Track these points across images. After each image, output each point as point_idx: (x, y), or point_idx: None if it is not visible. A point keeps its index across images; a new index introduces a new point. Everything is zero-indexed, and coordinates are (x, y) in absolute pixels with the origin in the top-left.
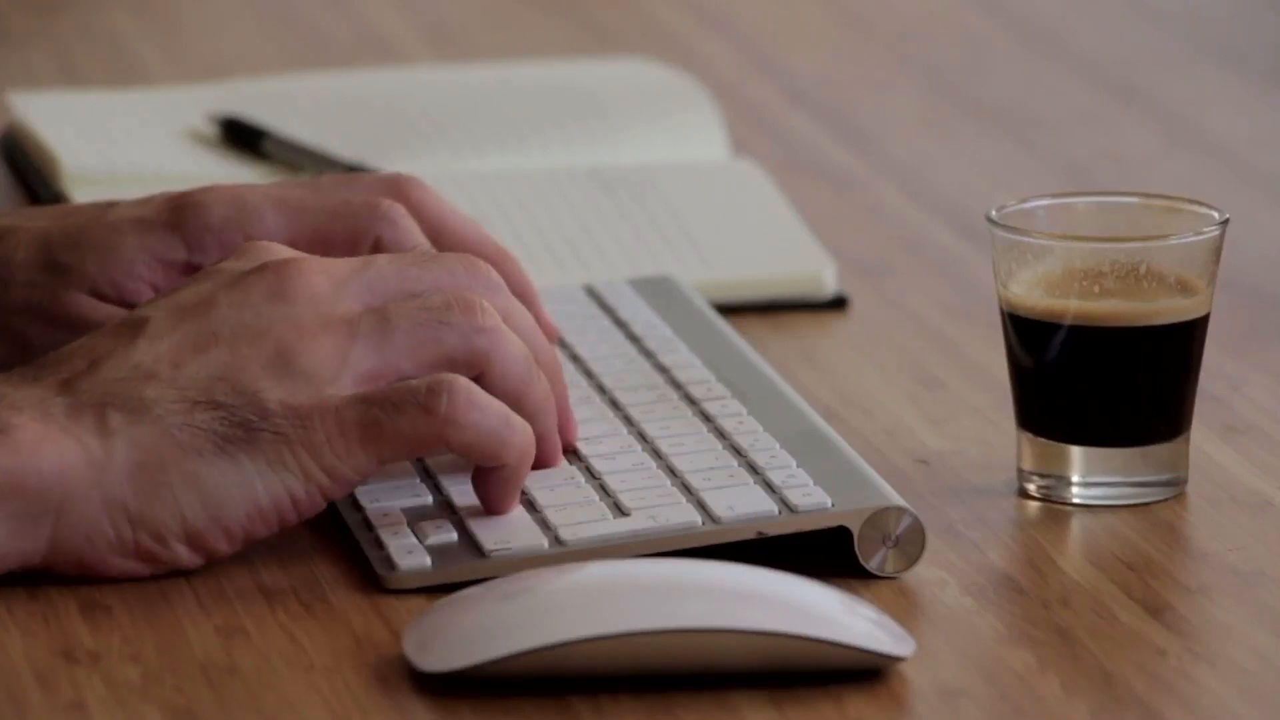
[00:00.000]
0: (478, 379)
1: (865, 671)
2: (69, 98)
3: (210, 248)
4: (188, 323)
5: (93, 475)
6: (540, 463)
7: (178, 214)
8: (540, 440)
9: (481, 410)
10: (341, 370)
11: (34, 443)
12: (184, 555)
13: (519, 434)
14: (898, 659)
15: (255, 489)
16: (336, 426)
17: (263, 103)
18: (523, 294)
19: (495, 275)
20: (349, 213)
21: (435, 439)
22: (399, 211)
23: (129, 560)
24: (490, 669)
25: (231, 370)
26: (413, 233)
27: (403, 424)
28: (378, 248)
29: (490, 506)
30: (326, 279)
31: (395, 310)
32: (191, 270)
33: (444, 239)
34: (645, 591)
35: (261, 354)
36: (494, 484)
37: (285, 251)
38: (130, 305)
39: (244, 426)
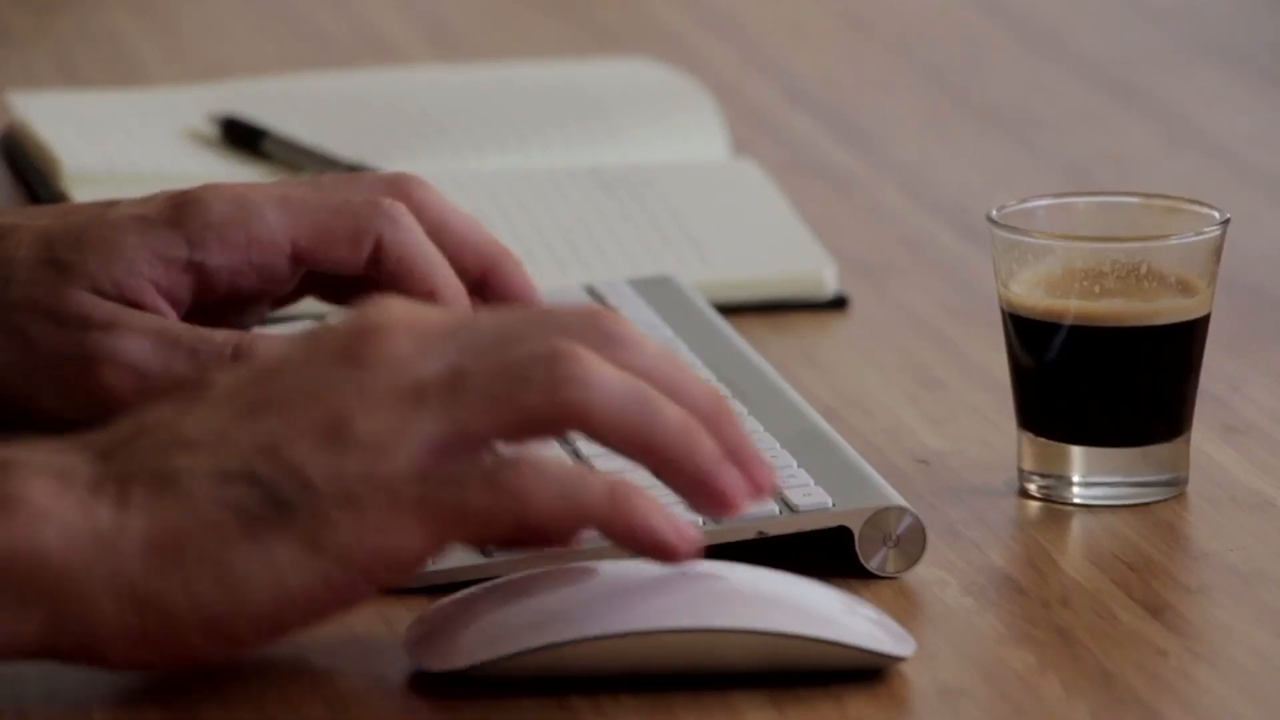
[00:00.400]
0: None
1: (865, 671)
2: (69, 98)
3: (211, 245)
4: (251, 388)
5: (98, 552)
6: (707, 511)
7: (179, 211)
8: (693, 491)
9: (553, 480)
10: (402, 440)
11: (36, 517)
12: (199, 644)
13: (601, 495)
14: (898, 659)
15: (284, 576)
16: (388, 505)
17: (263, 103)
18: (523, 295)
19: (622, 326)
20: (350, 211)
21: (503, 518)
22: (400, 210)
23: (137, 648)
24: (491, 669)
25: (278, 439)
26: (414, 232)
27: (468, 501)
28: (379, 246)
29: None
30: (412, 341)
31: (471, 368)
32: (193, 269)
33: (445, 238)
34: (645, 591)
35: (314, 422)
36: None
37: (396, 310)
38: (132, 303)
39: (278, 506)
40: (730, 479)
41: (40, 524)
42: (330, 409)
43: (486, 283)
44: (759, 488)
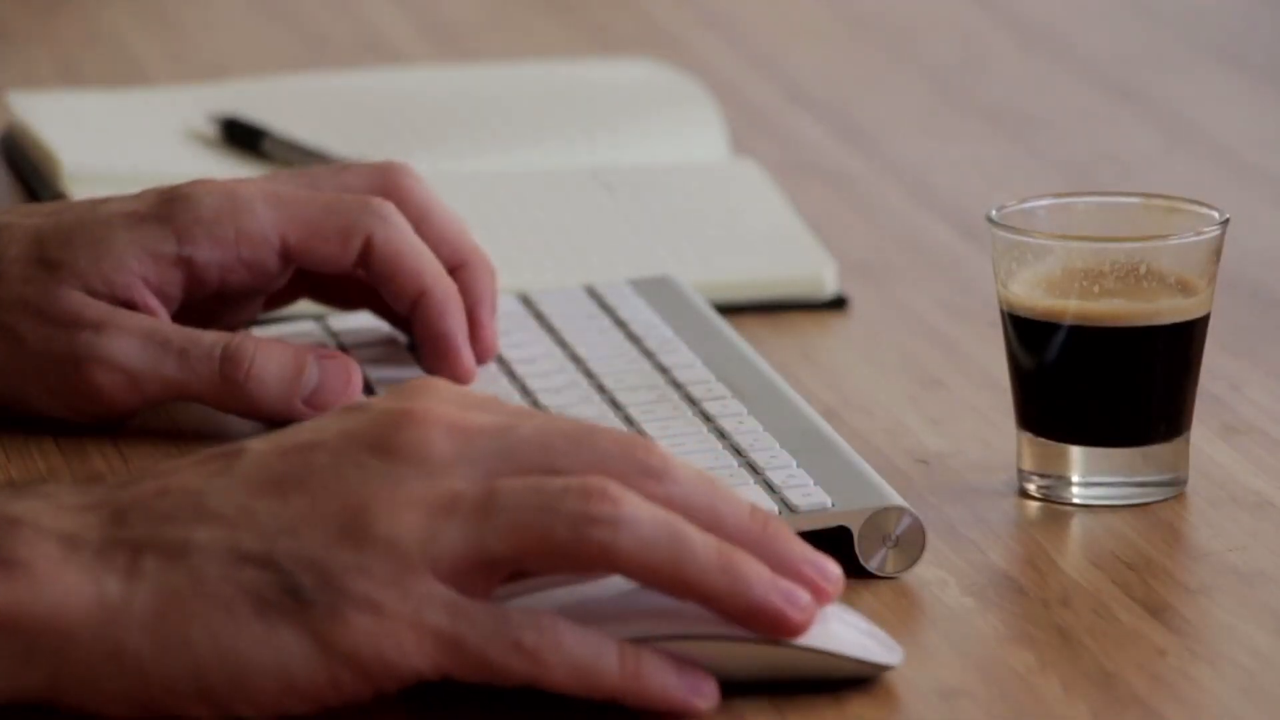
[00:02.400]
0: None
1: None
2: (69, 98)
3: (200, 240)
4: (282, 463)
5: (103, 621)
6: (774, 630)
7: (168, 207)
8: (751, 617)
9: (572, 648)
10: (427, 548)
11: (42, 579)
12: (200, 712)
13: (615, 665)
14: (886, 668)
15: (291, 666)
16: (411, 625)
17: (263, 103)
18: (479, 303)
19: (659, 458)
20: (340, 209)
21: (516, 677)
22: (390, 209)
23: (138, 710)
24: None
25: (302, 524)
26: (404, 230)
27: (489, 653)
28: (368, 244)
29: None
30: (451, 440)
31: (506, 489)
32: (182, 263)
33: (425, 230)
34: (633, 598)
35: (341, 513)
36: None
37: (440, 398)
38: (122, 300)
39: (294, 595)
40: (782, 598)
41: (43, 590)
42: (357, 503)
43: (453, 278)
44: (821, 593)
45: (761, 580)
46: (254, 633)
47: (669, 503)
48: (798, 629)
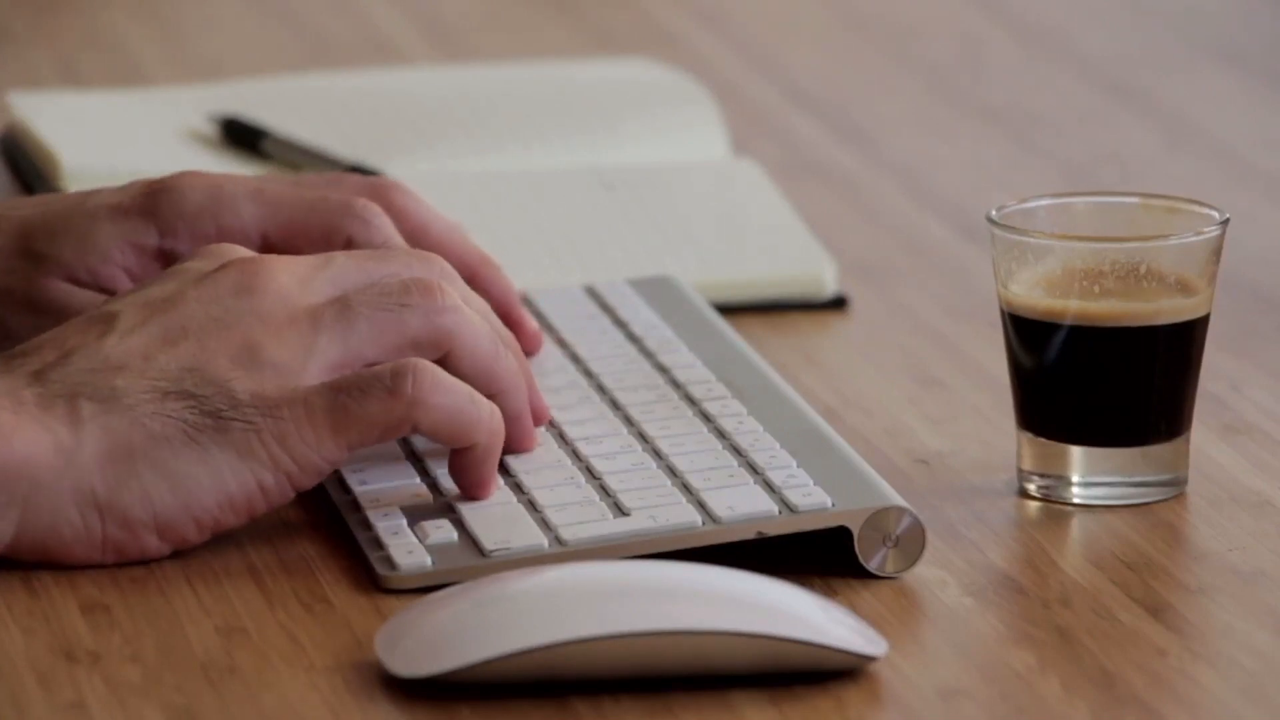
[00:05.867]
0: (443, 361)
1: (864, 672)
2: (69, 98)
3: (182, 234)
4: (157, 317)
5: (61, 464)
6: (514, 445)
7: (152, 199)
8: (512, 421)
9: (447, 391)
10: (308, 361)
11: (8, 432)
12: (153, 545)
13: (486, 412)
14: (872, 659)
15: (225, 478)
16: (305, 415)
17: (263, 103)
18: (506, 300)
19: (450, 268)
20: (324, 209)
21: (403, 422)
22: (373, 211)
23: (94, 550)
24: (468, 673)
25: (201, 362)
26: (385, 231)
27: (370, 408)
28: (349, 246)
29: (468, 491)
30: (290, 275)
31: (357, 298)
32: (164, 256)
33: (426, 245)
34: (623, 595)
35: (230, 347)
36: (469, 467)
37: (247, 251)
38: (107, 291)
39: (214, 416)
40: (537, 399)
41: (10, 437)
42: (241, 336)
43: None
44: (541, 418)
45: (533, 386)
46: (191, 456)
47: (467, 301)
48: (530, 443)
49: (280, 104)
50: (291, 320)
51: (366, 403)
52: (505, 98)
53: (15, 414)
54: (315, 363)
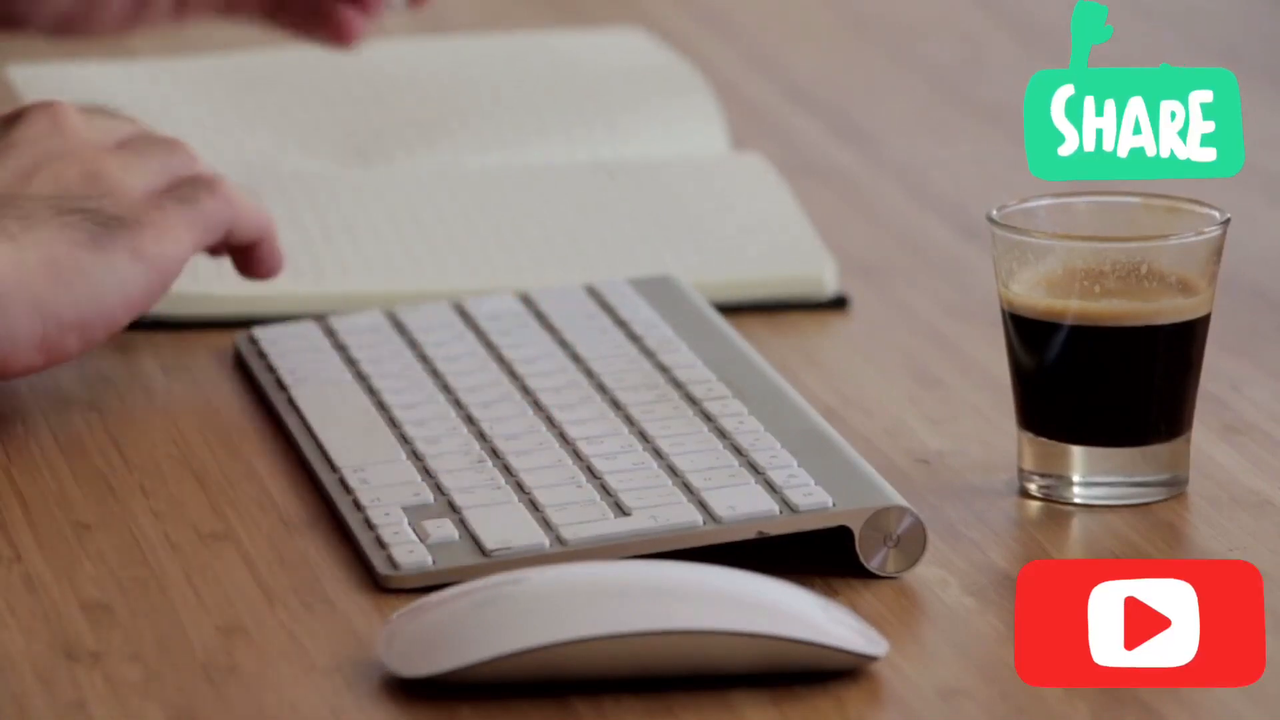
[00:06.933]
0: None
1: (864, 672)
2: (67, 70)
3: None
4: (3, 161)
5: (19, 278)
6: (273, 265)
7: None
8: (270, 239)
9: (239, 190)
10: (145, 175)
11: None
12: (74, 345)
13: (265, 213)
14: (873, 659)
15: (125, 280)
16: (168, 219)
17: (259, 88)
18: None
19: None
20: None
21: (228, 219)
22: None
23: (35, 354)
24: (466, 674)
25: (65, 186)
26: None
27: (207, 207)
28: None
29: (273, 271)
30: (80, 113)
31: (146, 133)
32: None
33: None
34: (622, 595)
35: (80, 174)
36: (272, 253)
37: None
38: None
39: (106, 225)
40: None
41: None
42: (82, 166)
43: None
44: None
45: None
46: (101, 262)
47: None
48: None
49: (280, 83)
50: (108, 146)
51: (202, 203)
52: (505, 93)
53: None
54: (149, 176)
